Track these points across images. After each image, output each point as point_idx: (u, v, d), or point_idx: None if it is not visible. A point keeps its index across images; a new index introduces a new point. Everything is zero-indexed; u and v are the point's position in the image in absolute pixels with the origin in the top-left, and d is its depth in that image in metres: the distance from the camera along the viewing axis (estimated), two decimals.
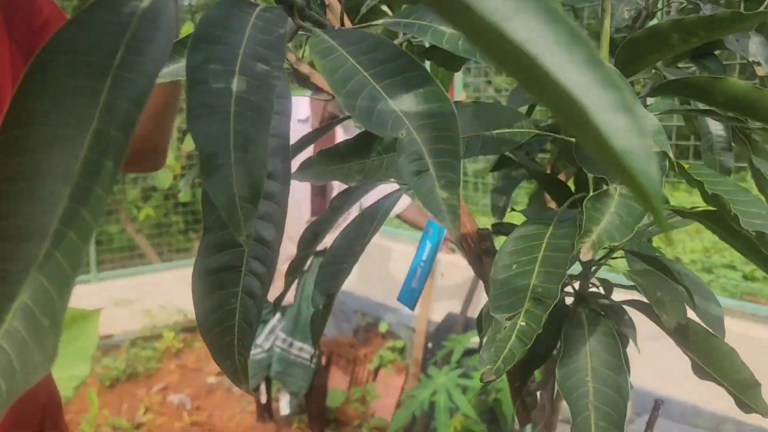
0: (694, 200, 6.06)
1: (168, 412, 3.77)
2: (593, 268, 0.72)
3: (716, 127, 0.75)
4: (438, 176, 0.32)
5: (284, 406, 3.23)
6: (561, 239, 0.53)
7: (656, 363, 2.76)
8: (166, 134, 0.90)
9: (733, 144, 0.79)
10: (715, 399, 2.57)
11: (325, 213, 0.83)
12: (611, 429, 0.61)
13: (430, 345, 3.60)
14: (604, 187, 0.49)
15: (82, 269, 4.87)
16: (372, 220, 0.77)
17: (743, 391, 0.70)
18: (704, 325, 0.67)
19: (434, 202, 0.32)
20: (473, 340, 3.13)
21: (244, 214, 0.30)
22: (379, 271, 4.27)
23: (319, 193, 2.98)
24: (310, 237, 0.84)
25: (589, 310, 0.68)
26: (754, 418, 2.46)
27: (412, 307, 0.91)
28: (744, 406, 0.72)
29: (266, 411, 3.56)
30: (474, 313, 3.51)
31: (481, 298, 3.49)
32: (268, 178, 0.36)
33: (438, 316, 3.71)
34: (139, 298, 3.95)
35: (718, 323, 0.75)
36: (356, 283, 4.44)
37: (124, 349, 4.36)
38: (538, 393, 0.92)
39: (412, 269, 0.90)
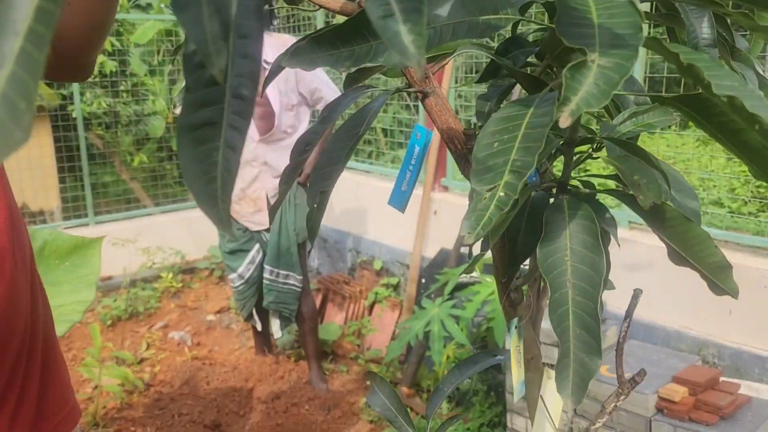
0: (684, 141, 6.08)
1: (169, 348, 3.87)
2: (575, 157, 0.75)
3: (704, 28, 0.77)
4: (404, 19, 0.35)
5: (276, 330, 3.33)
6: (541, 117, 0.56)
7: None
8: (98, 48, 0.93)
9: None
10: (697, 325, 2.67)
11: (315, 124, 0.86)
12: (587, 302, 0.66)
13: (423, 280, 3.68)
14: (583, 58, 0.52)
15: (80, 213, 4.90)
16: (362, 120, 0.80)
17: (716, 273, 0.74)
18: (679, 211, 0.71)
19: (400, 43, 0.35)
20: (466, 274, 3.20)
21: (215, 49, 0.33)
22: (374, 210, 4.32)
23: (263, 116, 3.05)
24: (302, 147, 0.87)
25: (570, 197, 0.73)
26: (733, 341, 2.56)
27: (403, 210, 0.95)
28: (716, 288, 0.77)
29: (265, 345, 3.67)
30: (466, 248, 3.58)
31: None
32: (243, 38, 0.38)
33: (431, 252, 3.78)
34: (136, 239, 4.00)
35: (695, 216, 0.79)
36: (351, 222, 4.50)
37: (123, 290, 4.44)
38: (525, 290, 0.97)
39: (401, 173, 0.93)
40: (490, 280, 2.97)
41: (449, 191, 3.91)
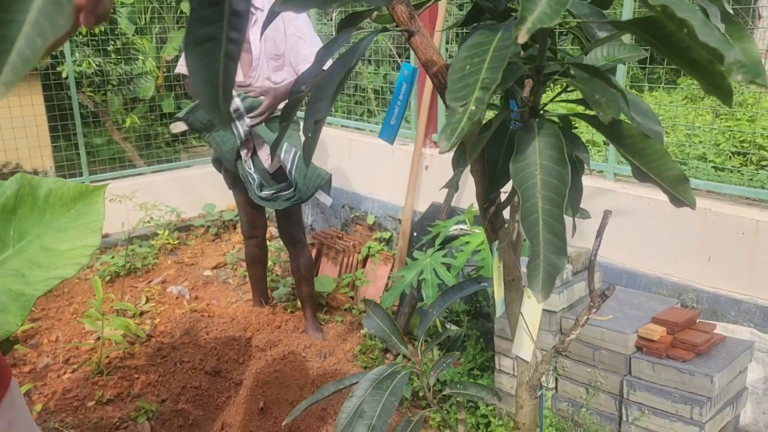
0: (672, 98, 6.13)
1: (168, 301, 3.97)
2: (548, 41, 0.82)
3: None
4: None
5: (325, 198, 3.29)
6: (505, 41, 0.64)
7: (623, 240, 2.96)
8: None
9: None
10: (677, 271, 2.78)
11: (310, 66, 0.93)
12: (554, 210, 0.74)
13: (415, 234, 3.78)
14: None
15: (74, 172, 4.94)
16: (353, 55, 0.87)
17: (674, 186, 0.82)
18: (639, 129, 0.79)
19: None
20: (457, 226, 3.29)
21: None
22: (367, 167, 4.39)
23: (246, 63, 3.09)
24: (298, 87, 0.94)
25: (540, 119, 0.80)
26: (710, 286, 2.67)
27: (391, 142, 1.03)
28: (677, 201, 0.84)
29: (262, 297, 3.77)
30: (458, 202, 3.66)
31: (465, 187, 3.64)
32: None
33: (422, 206, 3.87)
34: (132, 197, 4.06)
35: (658, 138, 0.87)
36: (344, 179, 4.57)
37: (121, 247, 4.52)
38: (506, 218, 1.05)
39: (390, 108, 1.01)
40: (479, 231, 3.06)
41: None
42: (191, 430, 2.82)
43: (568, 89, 0.94)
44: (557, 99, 0.90)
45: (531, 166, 0.76)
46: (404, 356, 1.22)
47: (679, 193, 0.83)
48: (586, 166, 0.97)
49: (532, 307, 1.03)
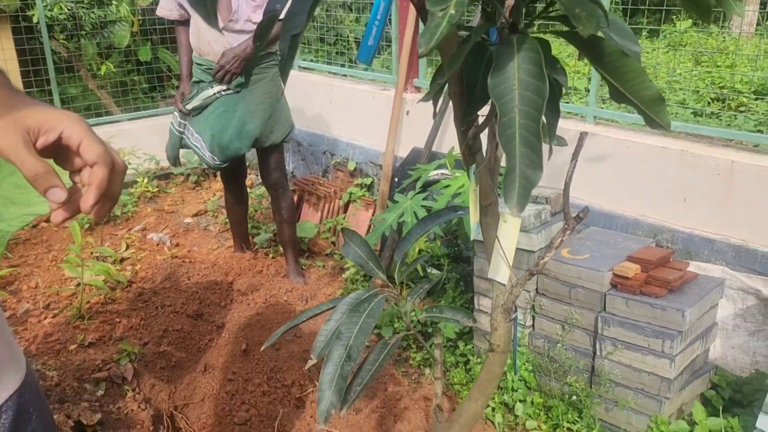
0: (655, 46, 6.10)
1: (149, 248, 3.96)
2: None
3: None
4: None
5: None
6: None
7: (602, 183, 2.99)
8: None
9: None
10: (653, 213, 2.82)
11: None
12: (531, 124, 0.74)
13: (396, 179, 3.78)
14: None
15: None
16: None
17: (650, 106, 0.83)
18: (617, 47, 0.79)
19: None
20: (437, 171, 3.29)
21: None
22: (348, 113, 4.35)
23: (226, 6, 3.07)
24: (272, 6, 0.92)
25: (519, 35, 0.80)
26: (685, 226, 2.72)
27: (369, 63, 1.01)
28: (652, 122, 0.85)
29: (243, 243, 3.77)
30: (439, 147, 3.66)
31: (447, 132, 3.62)
32: None
33: (404, 152, 3.86)
34: (109, 143, 3.99)
35: (636, 57, 0.87)
36: (325, 125, 4.53)
37: None
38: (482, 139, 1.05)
39: (368, 29, 0.99)
40: (460, 174, 3.07)
41: (421, 91, 3.94)
42: (174, 372, 2.85)
43: (549, 9, 0.93)
44: (536, 17, 0.89)
45: (509, 81, 0.76)
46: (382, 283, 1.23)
47: (655, 113, 0.84)
48: (564, 89, 0.97)
49: (508, 232, 1.04)
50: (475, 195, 1.04)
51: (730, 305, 2.56)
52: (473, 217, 1.06)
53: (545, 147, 0.83)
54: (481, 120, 0.99)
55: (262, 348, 1.27)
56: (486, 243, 1.11)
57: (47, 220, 4.29)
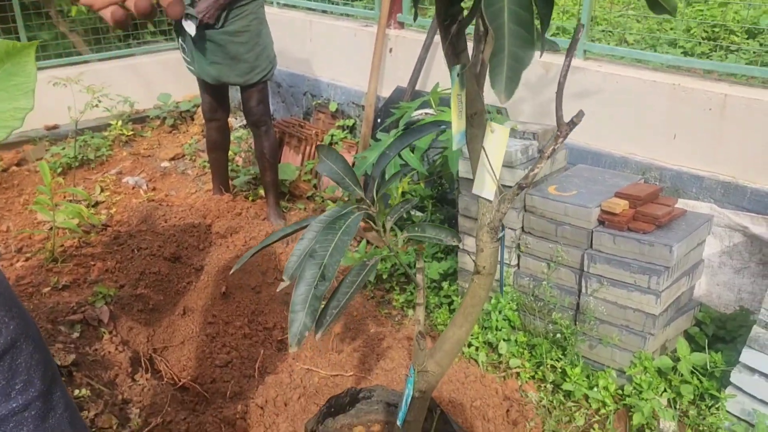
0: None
1: (124, 191, 3.85)
2: None
3: None
4: None
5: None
6: None
7: (589, 120, 2.90)
8: None
9: None
10: (642, 150, 2.76)
11: None
12: (521, 30, 0.65)
13: (379, 120, 3.67)
14: None
15: None
16: None
17: None
18: None
19: None
20: (421, 110, 3.18)
21: None
22: (328, 51, 4.19)
23: None
24: None
25: None
26: (674, 164, 2.66)
27: None
28: (656, 6, 0.76)
29: (222, 185, 3.67)
30: (423, 86, 3.54)
31: (431, 70, 3.50)
32: None
33: (386, 91, 3.74)
34: (78, 80, 3.80)
35: None
36: (305, 65, 4.38)
37: (72, 139, 4.32)
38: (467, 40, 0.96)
39: None
40: (444, 111, 2.97)
41: (405, 28, 3.80)
42: (152, 315, 2.79)
43: None
44: None
45: None
46: (358, 202, 1.15)
47: None
48: None
49: (495, 143, 0.96)
50: (458, 101, 0.95)
51: (717, 243, 2.53)
52: (456, 125, 0.97)
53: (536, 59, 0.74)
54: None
55: (231, 271, 1.20)
56: (471, 156, 1.03)
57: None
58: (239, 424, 2.11)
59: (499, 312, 2.55)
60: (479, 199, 1.03)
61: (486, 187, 1.00)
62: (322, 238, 0.96)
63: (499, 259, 1.91)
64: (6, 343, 0.76)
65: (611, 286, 2.25)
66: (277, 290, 0.91)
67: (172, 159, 4.41)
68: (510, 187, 2.41)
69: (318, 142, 3.99)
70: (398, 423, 1.17)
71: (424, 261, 2.99)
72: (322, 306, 0.98)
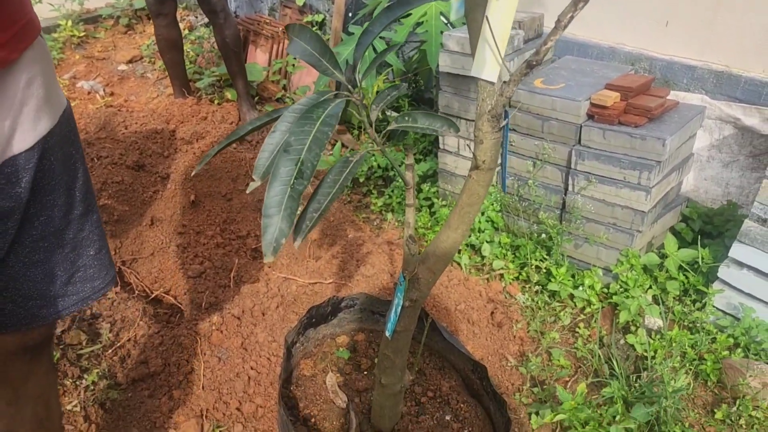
0: None
1: (79, 97, 3.59)
2: None
3: None
4: None
5: None
6: None
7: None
8: None
9: None
10: (631, 40, 2.59)
11: None
12: None
13: (350, 14, 3.42)
14: None
15: None
16: None
17: None
18: None
19: None
20: None
21: None
22: None
23: None
24: None
25: None
26: (665, 53, 2.51)
27: None
28: None
29: (184, 88, 3.44)
30: None
31: None
32: None
33: None
34: None
35: None
36: None
37: None
38: None
39: None
40: None
41: None
42: (117, 226, 2.65)
43: None
44: None
45: None
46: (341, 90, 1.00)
47: None
48: None
49: (501, 11, 0.80)
50: None
51: (707, 136, 2.44)
52: None
53: None
54: None
55: (194, 173, 1.05)
56: (470, 29, 0.87)
57: None
58: (215, 336, 2.03)
59: (482, 213, 2.46)
60: (478, 82, 0.88)
61: (487, 68, 0.86)
62: (297, 130, 0.81)
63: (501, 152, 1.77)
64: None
65: (599, 183, 2.16)
66: (247, 191, 0.77)
67: (130, 62, 4.11)
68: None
69: (285, 40, 3.73)
70: (387, 334, 1.08)
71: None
72: (301, 209, 0.85)
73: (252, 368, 1.92)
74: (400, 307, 1.04)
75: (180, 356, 1.98)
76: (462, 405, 1.33)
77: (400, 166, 2.86)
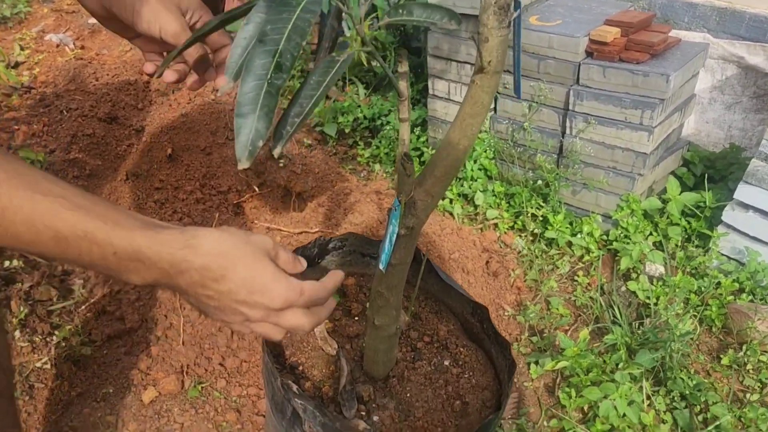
0: None
1: (48, 50, 3.40)
2: None
3: None
4: None
5: None
6: None
7: None
8: None
9: None
10: None
11: None
12: None
13: None
14: None
15: None
16: None
17: None
18: None
19: None
20: None
21: None
22: None
23: None
24: None
25: None
26: None
27: None
28: None
29: None
30: None
31: None
32: None
33: None
34: None
35: None
36: None
37: None
38: None
39: None
40: None
41: None
42: (90, 181, 2.51)
43: None
44: None
45: None
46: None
47: None
48: None
49: None
50: None
51: (708, 77, 2.33)
52: None
53: None
54: None
55: (156, 75, 0.93)
56: None
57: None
58: None
59: (474, 161, 2.35)
60: None
61: None
62: (274, 18, 0.69)
63: (512, 51, 1.63)
64: None
65: (599, 124, 2.05)
66: (218, 93, 0.65)
67: None
68: (473, 16, 2.11)
69: None
70: (380, 267, 0.97)
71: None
72: (280, 116, 0.73)
73: None
74: (395, 236, 0.93)
75: (158, 311, 1.86)
76: (461, 349, 1.23)
77: (387, 114, 2.73)
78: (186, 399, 1.65)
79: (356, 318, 1.30)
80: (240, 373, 1.71)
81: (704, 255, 1.99)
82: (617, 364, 1.66)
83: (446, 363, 1.23)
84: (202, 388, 1.67)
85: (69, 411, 1.61)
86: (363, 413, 1.14)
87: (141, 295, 1.92)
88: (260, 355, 1.74)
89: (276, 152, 0.69)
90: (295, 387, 1.05)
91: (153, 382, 1.68)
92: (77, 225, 0.62)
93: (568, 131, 2.14)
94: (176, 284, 0.68)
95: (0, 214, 0.60)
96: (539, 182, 2.22)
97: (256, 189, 2.61)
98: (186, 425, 1.59)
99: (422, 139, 2.60)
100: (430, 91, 2.48)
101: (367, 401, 1.15)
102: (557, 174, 2.14)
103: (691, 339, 1.76)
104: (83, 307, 1.87)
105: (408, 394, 1.17)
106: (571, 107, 2.10)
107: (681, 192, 2.11)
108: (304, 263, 0.77)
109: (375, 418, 1.13)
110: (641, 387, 1.60)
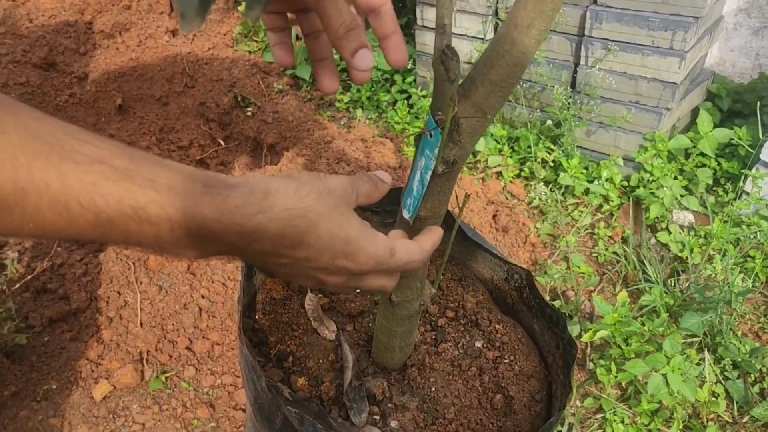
0: None
1: None
2: None
3: None
4: None
5: None
6: None
7: None
8: None
9: None
10: None
11: None
12: None
13: None
14: None
15: None
16: None
17: None
18: None
19: None
20: None
21: None
22: None
23: None
24: None
25: None
26: None
27: None
28: None
29: None
30: None
31: None
32: None
33: None
34: None
35: None
36: None
37: None
38: None
39: None
40: None
41: None
42: None
43: None
44: None
45: None
46: None
47: None
48: None
49: None
50: None
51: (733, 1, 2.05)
52: None
53: None
54: None
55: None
56: None
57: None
58: (153, 260, 1.60)
59: None
60: None
61: None
62: None
63: None
64: None
65: (621, 50, 1.76)
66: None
67: None
68: None
69: None
70: (407, 216, 0.68)
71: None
72: None
73: (203, 296, 1.51)
74: (428, 174, 0.63)
75: (109, 287, 1.55)
76: (496, 326, 0.96)
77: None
78: (147, 393, 1.36)
79: (358, 290, 1.00)
80: (212, 358, 1.42)
81: (738, 199, 1.75)
82: (659, 331, 1.41)
83: (478, 345, 0.95)
84: (166, 378, 1.38)
85: (1, 415, 1.31)
86: (377, 417, 0.86)
87: (89, 268, 1.60)
88: (235, 334, 1.45)
89: (252, 15, 0.39)
90: (287, 391, 0.77)
91: (106, 374, 1.39)
92: (124, 200, 0.44)
93: (583, 61, 1.85)
94: (242, 255, 0.54)
95: (19, 198, 0.40)
96: (548, 122, 1.94)
97: (222, 142, 2.29)
98: (148, 425, 1.30)
99: (409, 79, 2.29)
100: (419, 22, 2.16)
101: (381, 400, 0.88)
102: (573, 110, 1.86)
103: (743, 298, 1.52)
104: (17, 285, 1.55)
105: (433, 389, 0.90)
106: (587, 32, 1.80)
107: (713, 128, 1.85)
108: (388, 179, 0.63)
109: (393, 423, 0.86)
110: (687, 357, 1.36)
